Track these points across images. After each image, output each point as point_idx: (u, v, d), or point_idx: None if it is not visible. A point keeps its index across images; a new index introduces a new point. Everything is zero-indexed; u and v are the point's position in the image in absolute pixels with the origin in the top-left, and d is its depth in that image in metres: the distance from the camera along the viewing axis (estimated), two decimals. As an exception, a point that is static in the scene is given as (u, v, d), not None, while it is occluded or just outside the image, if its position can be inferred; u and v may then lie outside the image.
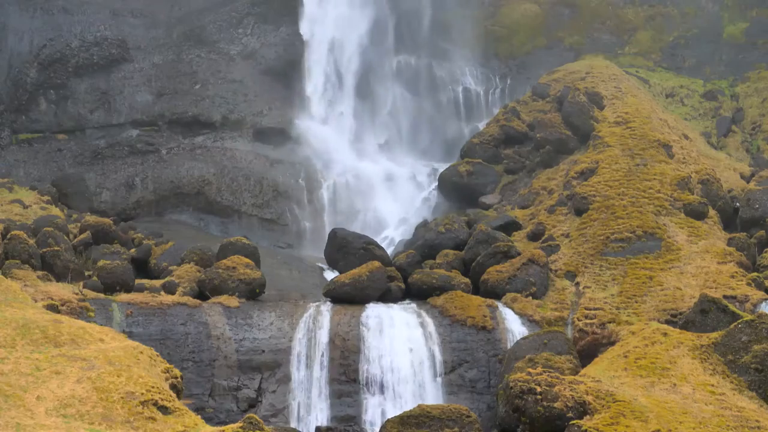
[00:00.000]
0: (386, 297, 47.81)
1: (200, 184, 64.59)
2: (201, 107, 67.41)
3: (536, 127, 62.73)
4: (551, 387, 36.27)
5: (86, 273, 46.79)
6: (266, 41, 69.91)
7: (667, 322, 44.57)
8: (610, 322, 45.56)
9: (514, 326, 45.70)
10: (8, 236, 45.80)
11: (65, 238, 48.67)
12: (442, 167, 65.19)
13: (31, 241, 46.14)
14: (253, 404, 43.19)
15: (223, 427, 31.31)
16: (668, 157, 56.73)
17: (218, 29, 69.57)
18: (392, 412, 41.30)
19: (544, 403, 35.89)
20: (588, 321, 45.93)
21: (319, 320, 45.02)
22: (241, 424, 30.74)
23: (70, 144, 65.59)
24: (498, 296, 47.78)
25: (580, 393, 36.18)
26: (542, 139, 61.38)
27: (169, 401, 31.65)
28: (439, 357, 44.52)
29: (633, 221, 51.39)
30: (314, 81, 70.99)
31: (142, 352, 34.71)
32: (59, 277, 45.37)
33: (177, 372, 35.33)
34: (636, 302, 46.76)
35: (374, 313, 45.63)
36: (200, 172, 64.79)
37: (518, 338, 44.60)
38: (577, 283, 48.99)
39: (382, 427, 38.05)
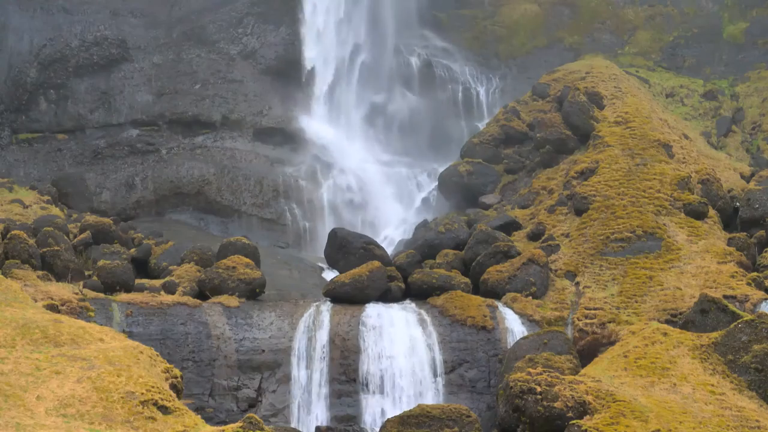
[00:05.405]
0: (386, 297, 47.77)
1: (200, 183, 64.63)
2: (201, 107, 67.40)
3: (536, 127, 62.69)
4: (551, 387, 36.26)
5: (86, 273, 46.78)
6: (266, 41, 69.89)
7: (667, 321, 44.55)
8: (610, 322, 45.55)
9: (514, 326, 45.67)
10: (8, 236, 45.77)
11: (65, 237, 48.65)
12: (442, 167, 65.14)
13: (31, 241, 46.11)
14: (253, 404, 43.18)
15: (223, 427, 31.27)
16: (668, 156, 56.71)
17: (218, 29, 69.56)
18: (392, 412, 41.30)
19: (544, 403, 35.88)
20: (588, 321, 45.93)
21: (319, 320, 44.99)
22: (241, 424, 30.71)
23: (70, 144, 65.59)
24: (498, 296, 47.75)
25: (580, 393, 36.17)
26: (542, 138, 61.33)
27: (169, 401, 31.63)
28: (439, 357, 44.49)
29: (633, 221, 51.36)
30: (314, 80, 70.95)
31: (142, 352, 34.68)
32: (59, 277, 45.34)
33: (177, 372, 35.30)
34: (636, 302, 46.75)
35: (374, 312, 45.60)
36: (200, 172, 64.83)
37: (518, 338, 44.57)
38: (577, 283, 48.98)
39: (382, 427, 38.06)
